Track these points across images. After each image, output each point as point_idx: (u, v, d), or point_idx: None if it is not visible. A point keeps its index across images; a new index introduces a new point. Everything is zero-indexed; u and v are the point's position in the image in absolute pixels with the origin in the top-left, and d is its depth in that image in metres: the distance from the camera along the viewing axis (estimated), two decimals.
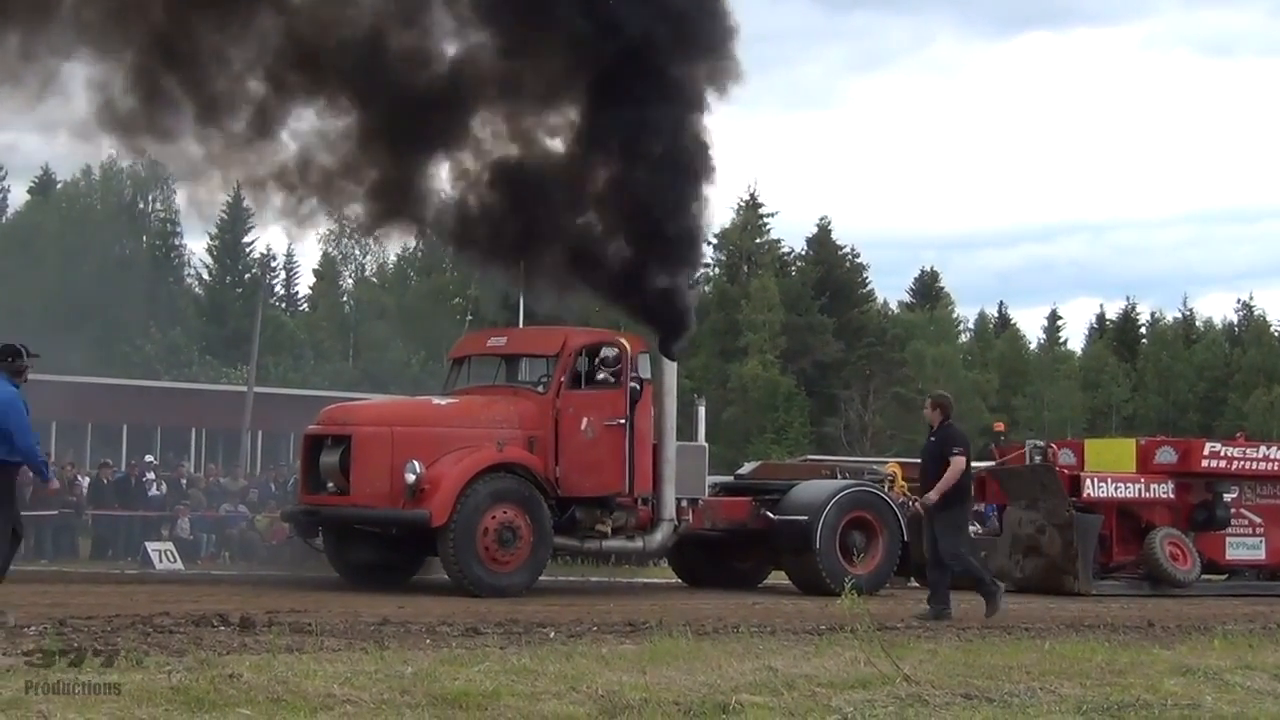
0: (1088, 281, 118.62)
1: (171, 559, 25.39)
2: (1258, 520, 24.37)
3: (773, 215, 75.56)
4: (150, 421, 43.28)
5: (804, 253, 77.43)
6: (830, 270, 75.62)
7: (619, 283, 20.70)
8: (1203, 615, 18.56)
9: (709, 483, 21.09)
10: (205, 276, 70.89)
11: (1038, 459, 24.01)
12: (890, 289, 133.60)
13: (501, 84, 20.30)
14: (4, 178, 70.93)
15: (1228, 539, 24.15)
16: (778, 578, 21.93)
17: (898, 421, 69.21)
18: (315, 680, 9.11)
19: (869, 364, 70.92)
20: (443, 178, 20.98)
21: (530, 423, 19.16)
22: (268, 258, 69.93)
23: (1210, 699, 9.94)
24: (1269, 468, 24.24)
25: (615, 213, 20.51)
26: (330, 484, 18.94)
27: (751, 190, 73.91)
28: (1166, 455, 24.12)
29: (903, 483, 22.58)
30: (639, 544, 20.04)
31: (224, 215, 65.45)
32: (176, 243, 70.07)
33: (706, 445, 21.29)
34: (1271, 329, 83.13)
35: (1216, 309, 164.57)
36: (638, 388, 19.61)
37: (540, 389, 19.61)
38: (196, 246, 71.86)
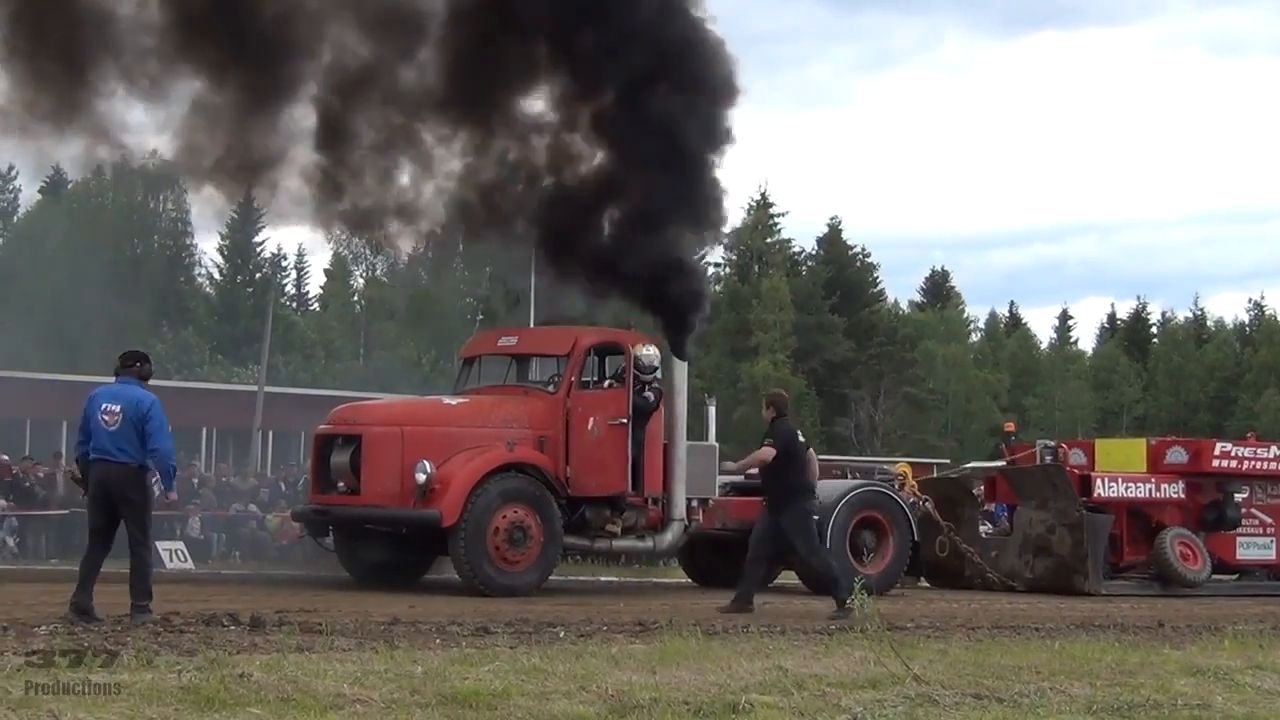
0: (1098, 281, 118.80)
1: (182, 558, 25.39)
2: (1268, 520, 24.37)
3: (783, 215, 75.62)
4: None
5: (815, 252, 77.43)
6: (841, 270, 75.57)
7: (632, 280, 20.68)
8: (1213, 615, 18.55)
9: (719, 482, 21.07)
10: (216, 276, 70.95)
11: (1048, 459, 24.03)
12: (901, 289, 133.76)
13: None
14: (15, 178, 70.99)
15: (1238, 539, 24.15)
16: (788, 578, 21.92)
17: (908, 421, 69.21)
18: (325, 680, 9.13)
19: (879, 364, 70.87)
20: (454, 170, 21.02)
21: (540, 422, 19.16)
22: (278, 257, 70.01)
23: (1221, 699, 9.94)
24: (1279, 468, 24.23)
25: (628, 211, 20.49)
26: (341, 484, 18.95)
27: (762, 190, 74.01)
28: (1177, 455, 24.11)
29: (913, 483, 22.60)
30: (649, 544, 20.04)
31: (234, 215, 65.46)
32: (187, 242, 70.13)
33: (717, 445, 21.30)
34: None
35: (1227, 309, 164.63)
36: (651, 398, 19.62)
37: (551, 389, 19.62)
38: (207, 246, 71.90)
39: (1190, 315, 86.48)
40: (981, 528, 24.37)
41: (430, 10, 20.15)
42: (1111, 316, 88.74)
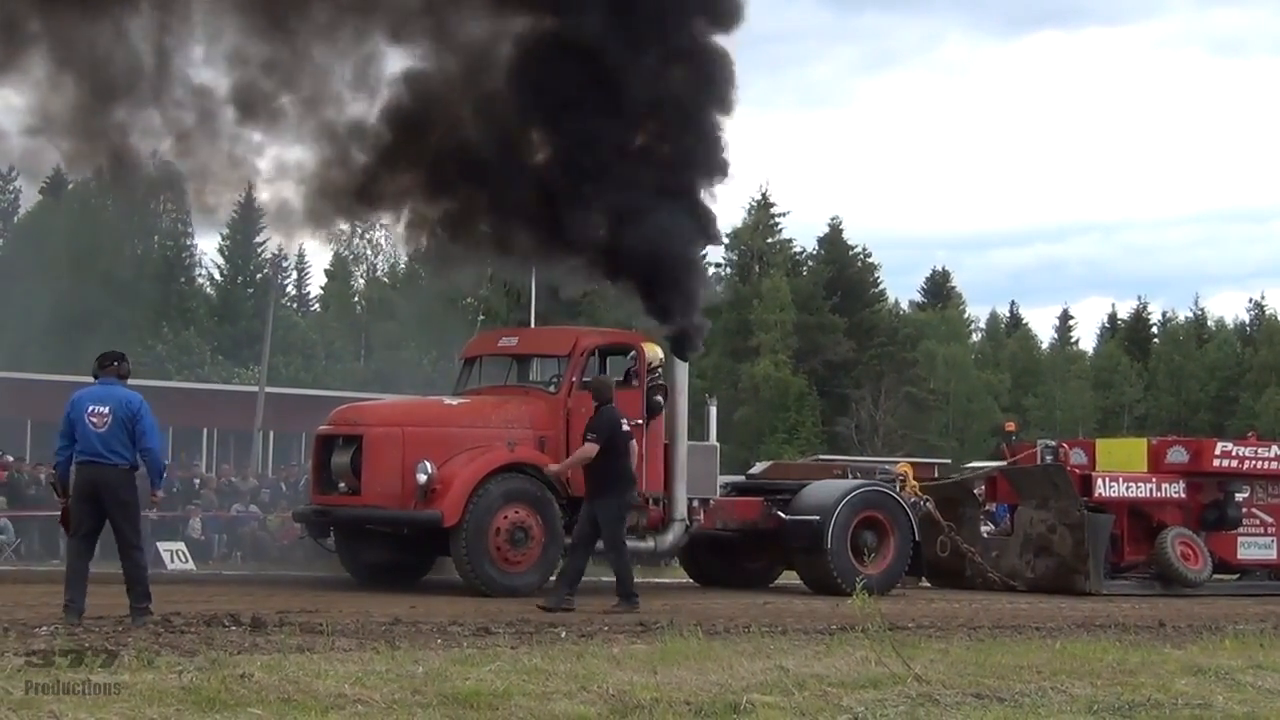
0: (1099, 281, 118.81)
1: (183, 559, 25.42)
2: (1269, 520, 24.35)
3: (784, 215, 75.76)
4: (162, 422, 43.32)
5: (815, 252, 77.46)
6: (842, 270, 75.60)
7: (637, 278, 20.67)
8: (1214, 615, 18.55)
9: (720, 483, 21.07)
10: (217, 276, 70.93)
11: (1049, 458, 24.01)
12: (902, 289, 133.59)
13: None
14: (15, 179, 70.95)
15: (1239, 539, 24.14)
16: (789, 578, 21.93)
17: (909, 421, 69.22)
18: (326, 680, 9.13)
19: (880, 364, 70.90)
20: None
21: (541, 423, 19.17)
22: (279, 258, 69.97)
23: (1221, 699, 9.94)
24: None
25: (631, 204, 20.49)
26: (342, 484, 18.96)
27: (763, 190, 74.09)
28: (1178, 455, 24.10)
29: (914, 482, 22.59)
30: (650, 544, 20.01)
31: (235, 215, 65.43)
32: (188, 243, 70.11)
33: (718, 445, 21.30)
34: None
35: (1228, 308, 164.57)
36: (660, 400, 19.64)
37: (552, 389, 19.62)
38: (208, 246, 71.87)
39: (1191, 315, 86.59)
40: (982, 528, 24.39)
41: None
42: (1112, 316, 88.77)
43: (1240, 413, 74.08)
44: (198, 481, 29.98)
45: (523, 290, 40.55)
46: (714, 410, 21.66)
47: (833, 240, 77.17)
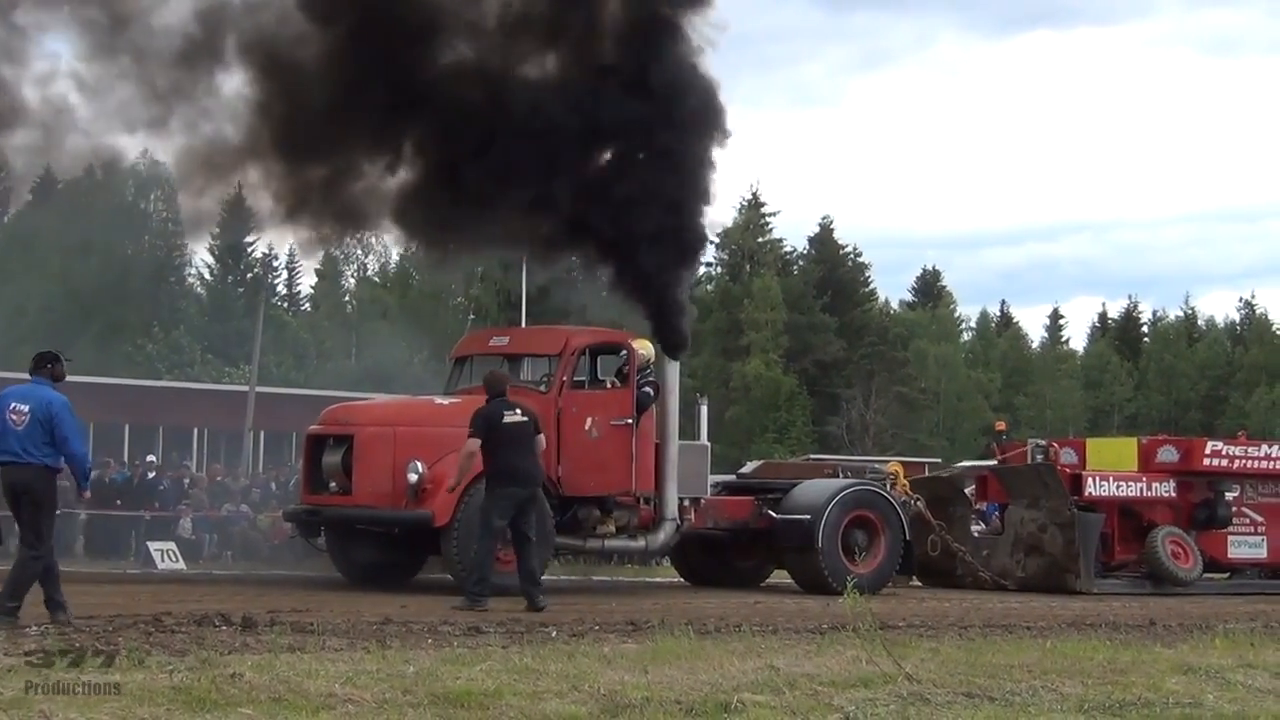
0: (1090, 280, 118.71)
1: (173, 559, 25.34)
2: (1259, 519, 24.40)
3: (775, 214, 75.80)
4: (152, 421, 43.28)
5: (806, 252, 77.53)
6: (832, 269, 75.65)
7: (627, 279, 20.68)
8: (1204, 614, 18.57)
9: (711, 482, 21.08)
10: (207, 276, 70.86)
11: (1039, 458, 24.03)
12: (892, 288, 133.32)
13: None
14: (4, 177, 70.82)
15: (1229, 537, 24.19)
16: (780, 577, 21.94)
17: (900, 420, 69.22)
18: (317, 680, 9.13)
19: (871, 363, 70.91)
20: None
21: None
22: (270, 257, 69.91)
23: (1212, 697, 9.96)
24: (1270, 466, 24.29)
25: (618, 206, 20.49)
26: (332, 484, 18.94)
27: (754, 189, 74.07)
28: (1168, 454, 24.15)
29: (904, 481, 22.60)
30: (641, 543, 20.04)
31: (224, 215, 65.32)
32: (178, 242, 70.01)
33: (709, 444, 21.31)
34: (1273, 328, 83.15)
35: (1218, 308, 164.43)
36: (650, 393, 19.66)
37: (543, 389, 19.61)
38: (198, 246, 71.79)
39: (1181, 314, 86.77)
40: (973, 527, 24.41)
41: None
42: (1103, 315, 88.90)
43: (1230, 412, 74.25)
44: (188, 481, 29.91)
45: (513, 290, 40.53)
46: (705, 409, 21.66)
47: (823, 239, 77.23)
